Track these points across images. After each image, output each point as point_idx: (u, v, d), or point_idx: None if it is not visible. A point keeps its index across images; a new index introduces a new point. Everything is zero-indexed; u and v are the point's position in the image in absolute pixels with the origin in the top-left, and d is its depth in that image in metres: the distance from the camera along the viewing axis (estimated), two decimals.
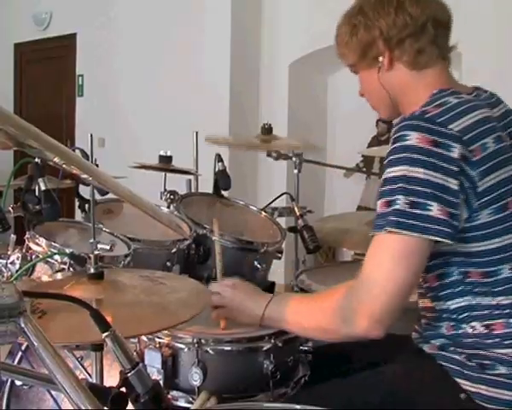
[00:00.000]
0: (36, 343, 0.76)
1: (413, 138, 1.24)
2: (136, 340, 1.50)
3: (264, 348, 1.45)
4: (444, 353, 1.34)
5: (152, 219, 1.96)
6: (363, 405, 1.33)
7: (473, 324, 1.31)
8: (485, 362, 1.29)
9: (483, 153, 1.27)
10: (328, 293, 1.42)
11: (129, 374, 0.92)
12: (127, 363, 0.92)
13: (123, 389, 0.91)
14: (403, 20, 1.37)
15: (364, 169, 4.99)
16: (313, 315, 1.38)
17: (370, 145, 4.89)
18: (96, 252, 1.35)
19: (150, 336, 1.45)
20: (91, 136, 1.82)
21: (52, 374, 0.76)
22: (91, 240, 1.36)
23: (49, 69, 6.65)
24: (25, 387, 1.63)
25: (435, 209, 1.21)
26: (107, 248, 1.37)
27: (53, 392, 1.57)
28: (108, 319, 0.93)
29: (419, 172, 1.22)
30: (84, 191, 2.05)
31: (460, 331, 1.32)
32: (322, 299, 1.41)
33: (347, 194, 5.13)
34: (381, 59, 1.42)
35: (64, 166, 0.92)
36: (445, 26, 1.41)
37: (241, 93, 5.24)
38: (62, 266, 1.72)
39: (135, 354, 1.44)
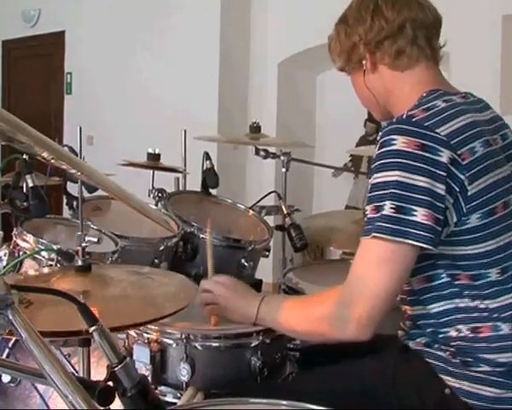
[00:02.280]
0: (24, 335, 0.76)
1: (399, 143, 1.24)
2: (124, 335, 1.50)
3: (252, 345, 1.45)
4: (429, 349, 1.35)
5: (140, 217, 1.95)
6: (346, 393, 1.34)
7: (458, 327, 1.32)
8: (468, 360, 1.31)
9: (471, 157, 1.27)
10: (318, 298, 1.43)
11: (116, 368, 0.92)
12: (114, 357, 0.92)
13: (110, 383, 0.92)
14: (378, 25, 1.40)
15: (353, 169, 5.01)
16: (305, 321, 1.40)
17: (359, 145, 4.91)
18: (84, 244, 1.35)
19: (139, 331, 1.46)
20: (80, 129, 1.81)
21: (40, 366, 0.76)
22: (79, 232, 1.36)
23: (37, 66, 6.62)
24: (12, 384, 1.62)
25: (420, 214, 1.22)
26: (95, 240, 1.37)
27: (40, 390, 1.57)
28: (95, 311, 0.93)
29: (406, 177, 1.23)
30: (72, 188, 2.05)
31: (443, 335, 1.34)
32: (313, 305, 1.42)
33: (335, 193, 5.14)
34: (364, 62, 1.44)
35: (53, 161, 0.93)
36: (427, 27, 1.42)
37: (230, 92, 5.24)
38: (50, 262, 1.72)
39: (123, 348, 1.46)
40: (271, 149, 2.67)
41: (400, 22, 1.39)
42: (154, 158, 2.52)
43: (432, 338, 1.35)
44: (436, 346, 1.34)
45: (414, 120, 1.28)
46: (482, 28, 4.19)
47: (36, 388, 1.57)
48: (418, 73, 1.42)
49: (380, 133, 1.31)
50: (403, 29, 1.39)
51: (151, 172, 2.59)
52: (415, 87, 1.39)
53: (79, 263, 1.35)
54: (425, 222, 1.22)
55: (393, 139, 1.25)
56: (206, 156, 2.47)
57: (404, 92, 1.41)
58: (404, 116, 1.30)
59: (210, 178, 2.44)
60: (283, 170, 2.63)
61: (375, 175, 1.27)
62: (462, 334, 1.32)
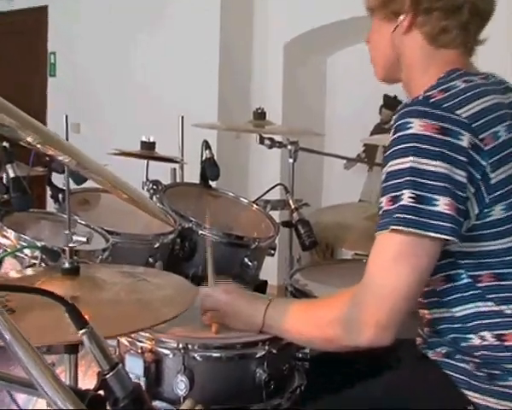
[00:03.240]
0: (8, 337, 0.75)
1: (416, 126, 1.23)
2: (115, 344, 1.50)
3: (258, 355, 1.45)
4: (450, 361, 1.34)
5: (132, 211, 1.94)
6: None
7: (482, 333, 1.31)
8: (495, 372, 1.30)
9: (494, 142, 1.26)
10: (330, 300, 1.43)
11: (107, 376, 0.91)
12: (105, 363, 0.91)
13: (101, 392, 0.91)
14: None
15: (366, 160, 5.01)
16: (316, 325, 1.39)
17: (373, 133, 4.90)
18: (72, 244, 1.34)
19: (131, 340, 1.45)
20: (66, 117, 1.80)
21: (26, 370, 0.75)
22: (66, 231, 1.35)
23: (17, 45, 6.57)
24: None
25: (442, 204, 1.21)
26: (84, 240, 1.36)
27: (20, 402, 1.56)
28: (84, 316, 0.92)
29: (423, 164, 1.22)
30: (57, 180, 2.04)
31: (466, 344, 1.33)
32: (324, 307, 1.41)
33: (347, 187, 5.13)
34: (401, 17, 1.40)
35: (39, 145, 0.91)
36: (482, 17, 1.39)
37: (232, 75, 5.23)
38: (33, 260, 1.70)
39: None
40: (277, 138, 2.67)
41: (462, 1, 1.36)
42: (148, 147, 2.52)
43: (453, 347, 1.34)
44: (458, 356, 1.33)
45: (432, 101, 1.27)
46: None
47: (15, 400, 1.56)
48: (451, 56, 1.40)
49: (394, 117, 1.29)
50: (460, 9, 1.36)
51: (145, 162, 2.58)
52: (440, 67, 1.37)
53: (67, 265, 1.34)
54: (447, 212, 1.21)
55: (409, 122, 1.24)
56: (206, 145, 2.46)
57: (426, 68, 1.39)
58: (421, 97, 1.29)
59: (210, 169, 2.44)
60: (290, 161, 2.63)
61: (390, 163, 1.26)
62: (486, 342, 1.30)
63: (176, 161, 2.80)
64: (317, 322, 1.39)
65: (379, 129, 4.97)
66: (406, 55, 1.43)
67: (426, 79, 1.36)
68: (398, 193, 1.24)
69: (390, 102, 4.82)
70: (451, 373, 1.33)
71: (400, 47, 1.43)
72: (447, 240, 1.23)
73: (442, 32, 1.38)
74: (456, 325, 1.34)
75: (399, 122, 1.26)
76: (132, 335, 1.44)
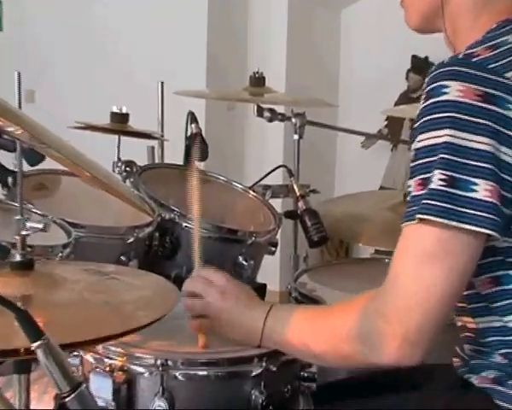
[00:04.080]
0: None
1: (453, 91, 1.23)
2: (77, 361, 1.50)
3: (254, 374, 1.44)
4: (501, 388, 1.34)
5: (101, 199, 1.94)
6: None
7: None
8: None
9: None
10: (345, 307, 1.43)
11: (67, 398, 0.92)
12: (65, 384, 0.92)
13: None
14: None
15: (389, 136, 5.00)
16: (327, 338, 1.39)
17: (398, 104, 4.89)
18: (24, 232, 1.33)
19: (97, 356, 1.45)
20: (19, 76, 1.79)
21: None
22: (17, 217, 1.35)
23: None
24: None
25: (482, 189, 1.21)
26: (40, 226, 1.35)
27: None
28: (40, 323, 0.92)
29: (461, 138, 1.22)
30: (6, 159, 2.04)
31: None
32: (337, 316, 1.41)
33: (366, 170, 5.12)
34: None
35: None
36: None
37: (224, 30, 5.21)
38: None
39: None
40: (279, 109, 2.66)
41: None
42: (119, 119, 2.53)
43: (504, 371, 1.34)
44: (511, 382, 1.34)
45: (475, 60, 1.27)
46: None
47: None
48: (508, 2, 1.38)
49: (426, 79, 1.29)
50: None
51: (116, 138, 2.58)
52: (494, 17, 1.35)
53: (18, 258, 1.33)
54: (489, 200, 1.21)
55: (445, 86, 1.24)
56: (192, 118, 2.47)
57: (479, 21, 1.37)
58: (461, 55, 1.29)
59: (196, 147, 2.43)
60: (295, 137, 2.64)
61: (420, 137, 1.26)
62: None
63: (154, 137, 2.80)
64: (328, 334, 1.39)
65: (405, 98, 4.96)
66: (453, 1, 1.41)
67: (475, 31, 1.35)
68: (428, 174, 1.24)
69: (420, 65, 4.82)
70: (503, 404, 1.33)
71: None
72: (489, 235, 1.23)
73: None
74: (508, 338, 1.34)
75: (433, 86, 1.26)
76: (99, 349, 1.44)
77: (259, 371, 1.44)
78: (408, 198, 1.28)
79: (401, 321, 1.27)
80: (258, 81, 2.75)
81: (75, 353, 1.49)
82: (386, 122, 4.99)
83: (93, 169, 1.15)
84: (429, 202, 1.23)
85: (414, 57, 4.92)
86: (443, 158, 1.22)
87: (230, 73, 4.86)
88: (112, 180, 1.30)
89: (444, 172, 1.22)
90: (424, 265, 1.26)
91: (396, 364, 1.29)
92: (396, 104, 4.90)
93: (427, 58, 4.75)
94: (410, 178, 1.28)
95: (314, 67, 5.31)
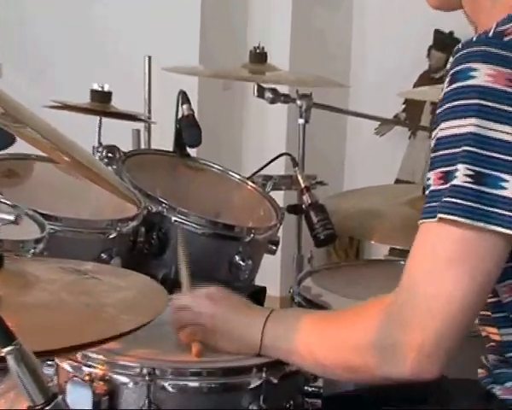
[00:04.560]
0: None
1: (482, 74, 1.24)
2: (52, 371, 1.51)
3: (251, 386, 1.45)
4: None
5: (79, 188, 1.95)
6: None
7: None
8: None
9: None
10: (355, 313, 1.44)
11: None
12: (39, 394, 0.92)
13: None
14: None
15: (407, 122, 4.99)
16: (335, 348, 1.40)
17: (418, 85, 4.88)
18: None
19: (75, 364, 1.45)
20: None
21: None
22: None
23: None
24: None
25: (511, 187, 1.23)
26: (11, 218, 1.36)
27: None
28: (10, 326, 0.93)
29: (490, 129, 1.23)
30: None
31: None
32: (347, 323, 1.42)
33: (380, 160, 5.11)
34: None
35: None
36: None
37: (220, 1, 5.21)
38: None
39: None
40: (282, 90, 2.67)
41: None
42: (101, 98, 2.52)
43: None
44: None
45: (507, 39, 1.27)
46: None
47: None
48: None
49: (451, 60, 1.30)
50: None
51: (97, 119, 2.58)
52: None
53: None
54: None
55: (473, 69, 1.25)
56: (183, 98, 2.46)
57: None
58: (491, 33, 1.29)
59: (188, 131, 2.44)
60: (301, 121, 2.64)
61: (442, 125, 1.27)
62: None
63: (140, 119, 2.80)
64: (337, 343, 1.40)
65: (426, 79, 4.94)
66: None
67: (499, 6, 1.36)
68: (451, 168, 1.25)
69: (443, 41, 4.80)
70: None
71: None
72: None
73: None
74: None
75: (458, 68, 1.27)
76: (77, 356, 1.44)
77: (258, 383, 1.45)
78: (426, 192, 1.30)
79: (418, 330, 1.28)
80: (258, 57, 2.75)
81: (49, 361, 1.50)
82: (403, 106, 4.97)
83: (76, 153, 1.15)
84: (452, 199, 1.24)
85: (437, 32, 4.90)
86: (468, 151, 1.23)
87: (227, 47, 4.85)
88: (96, 166, 1.30)
89: (470, 166, 1.23)
90: (445, 268, 1.27)
91: (411, 378, 1.30)
92: (415, 85, 4.88)
93: (451, 34, 4.74)
94: (430, 169, 1.29)
95: (322, 42, 5.30)
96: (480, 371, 1.47)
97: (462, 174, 1.24)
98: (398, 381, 1.34)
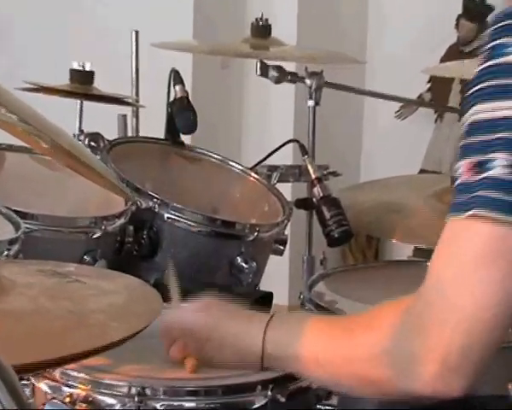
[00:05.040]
0: None
1: None
2: (28, 392, 1.51)
3: (256, 406, 1.46)
4: None
5: (58, 182, 1.96)
6: None
7: None
8: None
9: None
10: (369, 318, 1.44)
11: None
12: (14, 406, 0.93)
13: None
14: None
15: (433, 102, 4.99)
16: (347, 358, 1.40)
17: (445, 60, 4.88)
18: None
19: (53, 384, 1.46)
20: None
21: None
22: None
23: None
24: None
25: None
26: None
27: None
28: None
29: None
30: None
31: None
32: (360, 330, 1.42)
33: (401, 147, 5.13)
34: None
35: None
36: None
37: None
38: None
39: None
40: (289, 67, 2.68)
41: None
42: (82, 79, 2.53)
43: None
44: None
45: None
46: None
47: None
48: None
49: (486, 33, 1.30)
50: None
51: (77, 103, 2.59)
52: None
53: None
54: None
55: (511, 45, 1.26)
56: (175, 78, 2.47)
57: None
58: None
59: (181, 115, 2.45)
60: (310, 103, 2.64)
61: (476, 108, 1.27)
62: None
63: (126, 103, 2.81)
64: (349, 352, 1.40)
65: (455, 53, 4.94)
66: None
67: None
68: (485, 157, 1.25)
69: (474, 10, 4.80)
70: None
71: None
72: None
73: None
74: None
75: (494, 43, 1.26)
76: (56, 375, 1.45)
77: (263, 402, 1.46)
78: (455, 184, 1.30)
79: (441, 339, 1.28)
80: (261, 30, 2.75)
81: (24, 381, 1.49)
82: (429, 85, 4.98)
83: (59, 138, 1.15)
84: (487, 194, 1.24)
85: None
86: (505, 138, 1.24)
87: (225, 19, 4.87)
88: (82, 153, 1.30)
89: (509, 155, 1.24)
90: (473, 269, 1.26)
91: (432, 394, 1.30)
92: (442, 60, 4.89)
93: (483, 0, 4.74)
94: (460, 158, 1.29)
95: (334, 13, 5.31)
96: (510, 386, 1.47)
97: (500, 164, 1.24)
98: (417, 396, 1.33)
